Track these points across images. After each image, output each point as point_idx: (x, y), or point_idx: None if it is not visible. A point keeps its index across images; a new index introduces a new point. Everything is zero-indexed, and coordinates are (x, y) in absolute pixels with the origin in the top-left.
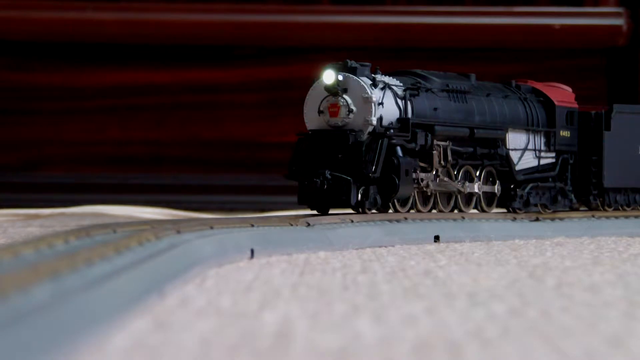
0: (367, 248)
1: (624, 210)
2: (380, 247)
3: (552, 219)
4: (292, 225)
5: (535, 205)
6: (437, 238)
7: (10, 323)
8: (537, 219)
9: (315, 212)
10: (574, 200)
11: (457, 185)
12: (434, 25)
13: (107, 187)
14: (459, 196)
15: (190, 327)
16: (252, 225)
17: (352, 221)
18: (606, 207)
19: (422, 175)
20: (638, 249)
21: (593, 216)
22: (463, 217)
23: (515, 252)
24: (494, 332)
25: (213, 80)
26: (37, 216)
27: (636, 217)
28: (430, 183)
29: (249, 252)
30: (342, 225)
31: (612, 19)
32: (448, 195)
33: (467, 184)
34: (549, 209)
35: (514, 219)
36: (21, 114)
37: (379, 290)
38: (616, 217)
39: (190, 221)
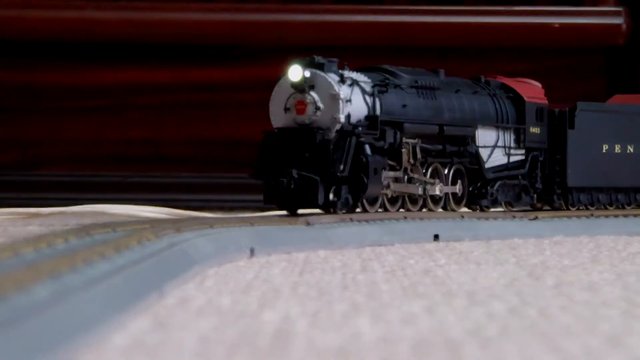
0: (367, 247)
1: (588, 209)
2: (379, 246)
3: (551, 218)
4: (291, 224)
5: (501, 203)
6: (436, 237)
7: (10, 323)
8: (535, 218)
9: (284, 212)
10: (535, 198)
11: (417, 189)
12: (433, 23)
13: (107, 186)
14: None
15: (190, 327)
16: (252, 224)
17: (351, 220)
18: (570, 207)
19: (385, 174)
20: (637, 247)
21: (592, 215)
22: (462, 217)
23: (514, 251)
24: (493, 331)
25: (213, 80)
26: (37, 215)
27: (635, 216)
28: (391, 184)
29: (248, 251)
30: (342, 224)
31: (612, 17)
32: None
33: (428, 187)
34: (513, 207)
35: (514, 217)
36: (21, 114)
37: (379, 289)
38: (615, 216)
39: (190, 220)
